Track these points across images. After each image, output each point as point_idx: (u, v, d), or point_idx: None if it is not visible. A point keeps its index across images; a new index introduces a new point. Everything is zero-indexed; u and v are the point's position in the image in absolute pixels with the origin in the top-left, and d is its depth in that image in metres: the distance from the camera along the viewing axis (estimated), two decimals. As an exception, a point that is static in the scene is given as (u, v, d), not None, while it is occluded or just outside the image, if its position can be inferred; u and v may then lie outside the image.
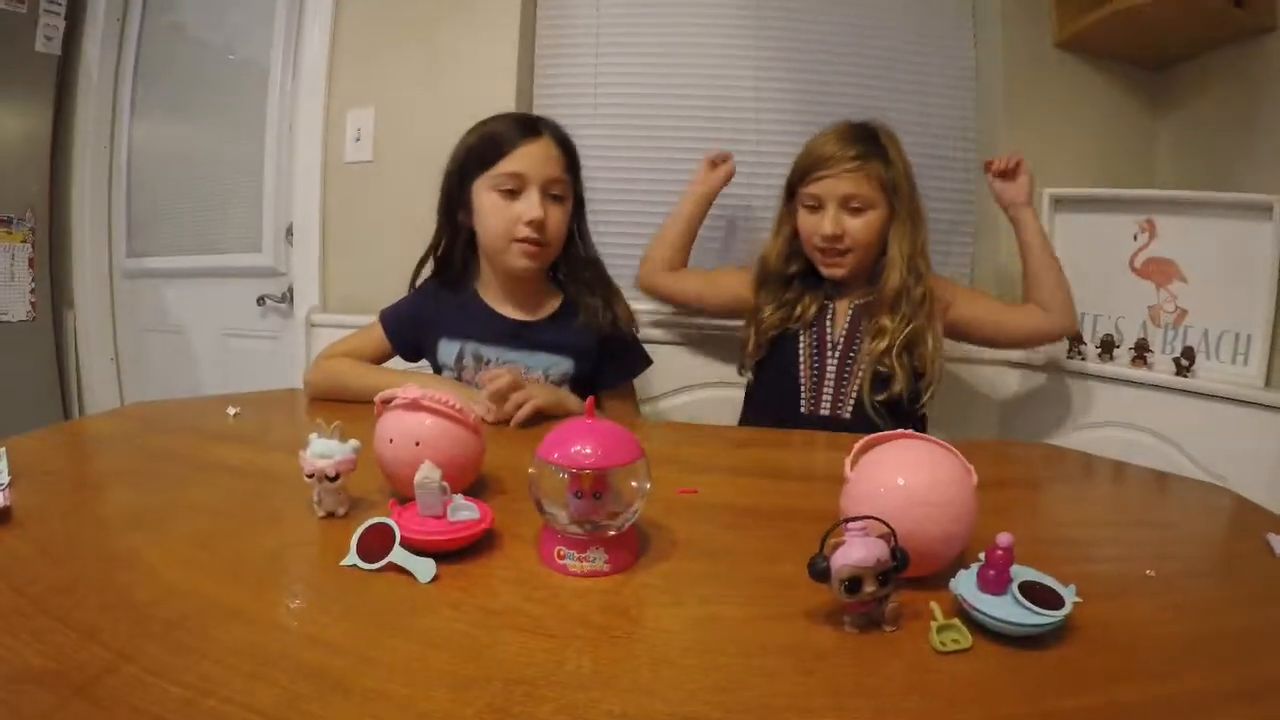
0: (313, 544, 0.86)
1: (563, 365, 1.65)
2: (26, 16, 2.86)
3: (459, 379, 1.65)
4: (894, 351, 1.64)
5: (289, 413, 1.64)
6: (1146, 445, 1.84)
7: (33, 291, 2.99)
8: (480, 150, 1.60)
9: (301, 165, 2.46)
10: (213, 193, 2.92)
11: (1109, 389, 1.94)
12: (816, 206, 1.70)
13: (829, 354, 1.72)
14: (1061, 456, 1.46)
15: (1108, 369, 1.95)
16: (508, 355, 1.64)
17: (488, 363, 1.63)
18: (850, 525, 0.68)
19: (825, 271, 1.74)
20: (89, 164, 3.04)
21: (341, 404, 1.55)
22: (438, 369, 1.69)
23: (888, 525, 0.68)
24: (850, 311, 1.74)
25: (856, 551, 0.66)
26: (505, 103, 2.18)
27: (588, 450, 0.75)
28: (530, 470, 0.79)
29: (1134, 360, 1.89)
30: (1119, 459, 1.38)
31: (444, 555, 0.78)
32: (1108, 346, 1.95)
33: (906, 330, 1.65)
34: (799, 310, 1.76)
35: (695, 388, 2.19)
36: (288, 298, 2.62)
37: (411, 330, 1.71)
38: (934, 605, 0.68)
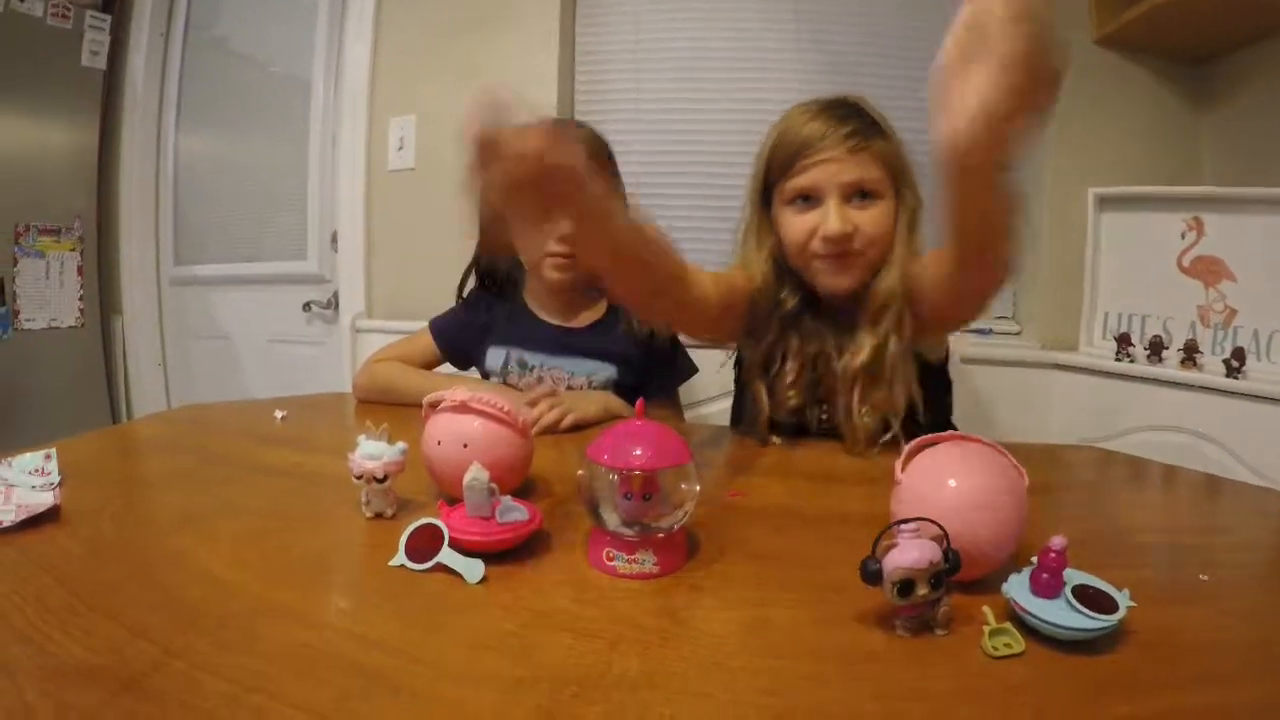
0: (361, 544, 0.87)
1: (605, 372, 1.66)
2: (72, 31, 2.95)
3: (505, 385, 1.66)
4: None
5: (336, 416, 1.66)
6: (1196, 449, 1.81)
7: (81, 298, 3.07)
8: None
9: (345, 173, 2.51)
10: (258, 201, 2.98)
11: (1158, 391, 1.91)
12: (811, 200, 1.32)
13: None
14: (1110, 460, 1.43)
15: (1156, 371, 1.92)
16: (552, 362, 1.66)
17: (532, 369, 1.66)
18: (903, 527, 0.67)
19: (829, 283, 1.35)
20: (135, 174, 3.12)
21: (388, 406, 1.57)
22: (485, 376, 1.71)
23: (940, 527, 0.67)
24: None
25: (909, 554, 0.65)
26: (546, 110, 2.22)
27: (638, 451, 0.75)
28: (580, 471, 0.79)
29: (1183, 362, 1.86)
30: (1169, 463, 1.35)
31: (492, 556, 0.78)
32: (1156, 348, 1.93)
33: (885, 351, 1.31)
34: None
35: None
36: (333, 304, 2.67)
37: (460, 338, 1.74)
38: (986, 609, 0.66)
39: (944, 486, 0.74)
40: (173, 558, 0.80)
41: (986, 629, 0.65)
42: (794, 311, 1.40)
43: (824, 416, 1.42)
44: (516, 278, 1.77)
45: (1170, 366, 1.90)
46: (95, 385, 3.17)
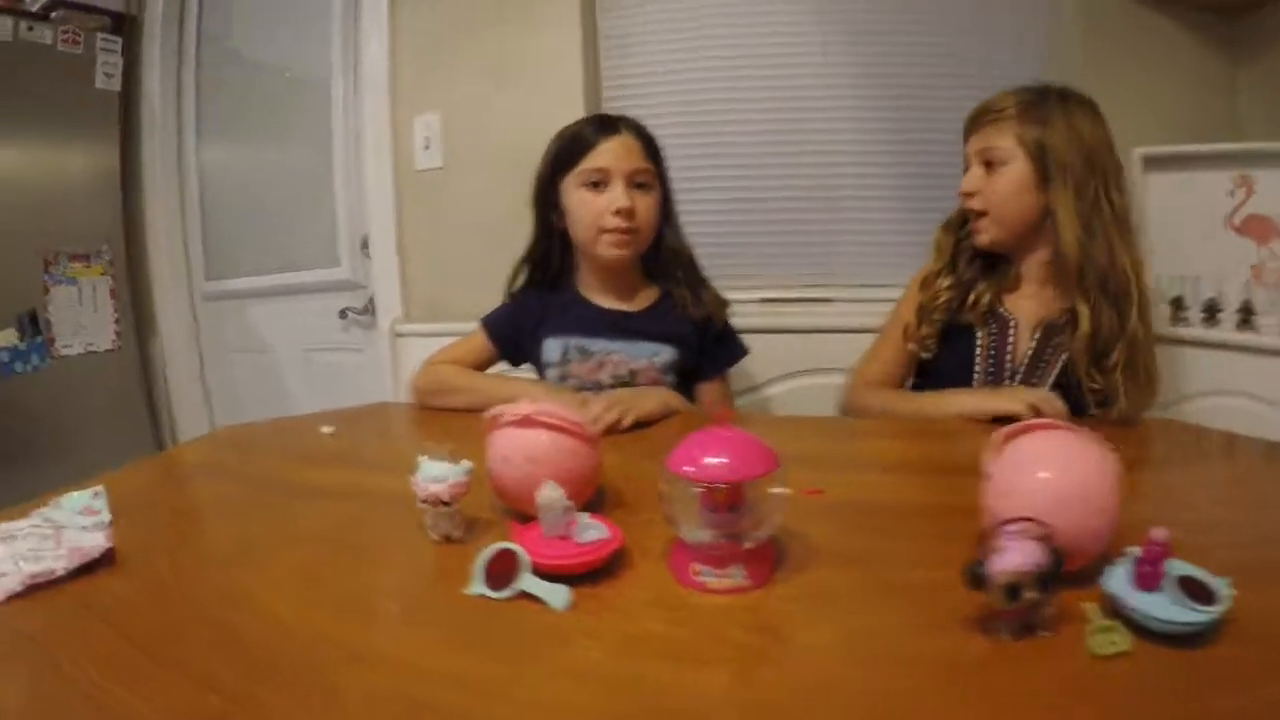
0: (432, 572, 0.83)
1: (665, 353, 1.67)
2: (84, 56, 2.93)
3: (564, 377, 1.67)
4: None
5: (384, 428, 1.65)
6: (1256, 413, 1.75)
7: (116, 321, 3.07)
8: (564, 152, 1.67)
9: (372, 176, 2.50)
10: (285, 210, 2.97)
11: (1215, 356, 1.85)
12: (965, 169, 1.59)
13: (1006, 375, 1.56)
14: (1168, 428, 1.41)
15: (1212, 334, 1.86)
16: (611, 346, 1.66)
17: (592, 355, 1.66)
18: (1008, 527, 0.64)
19: (974, 239, 1.59)
20: (160, 192, 3.11)
21: (444, 419, 1.56)
22: (542, 369, 1.71)
23: (1045, 526, 0.64)
24: (1038, 333, 1.54)
25: (1015, 556, 0.62)
26: (573, 99, 2.19)
27: (722, 462, 0.71)
28: (661, 486, 0.75)
29: (1240, 324, 1.81)
30: (1228, 429, 1.31)
31: (574, 579, 0.74)
32: (1212, 311, 1.87)
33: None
34: (972, 297, 1.60)
35: (793, 376, 2.17)
36: (369, 309, 2.66)
37: (514, 333, 1.74)
38: (1089, 606, 0.64)
39: (1037, 479, 0.72)
40: (233, 598, 0.77)
41: (1091, 627, 0.62)
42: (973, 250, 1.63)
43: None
44: (568, 267, 1.77)
45: (1226, 330, 1.84)
46: (136, 407, 3.17)
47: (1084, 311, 1.45)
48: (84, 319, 2.96)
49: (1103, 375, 1.43)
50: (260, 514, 1.04)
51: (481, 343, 1.75)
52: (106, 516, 0.97)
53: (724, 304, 1.77)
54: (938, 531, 0.86)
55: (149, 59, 3.09)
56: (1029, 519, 0.65)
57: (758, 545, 0.74)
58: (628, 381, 1.64)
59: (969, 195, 1.56)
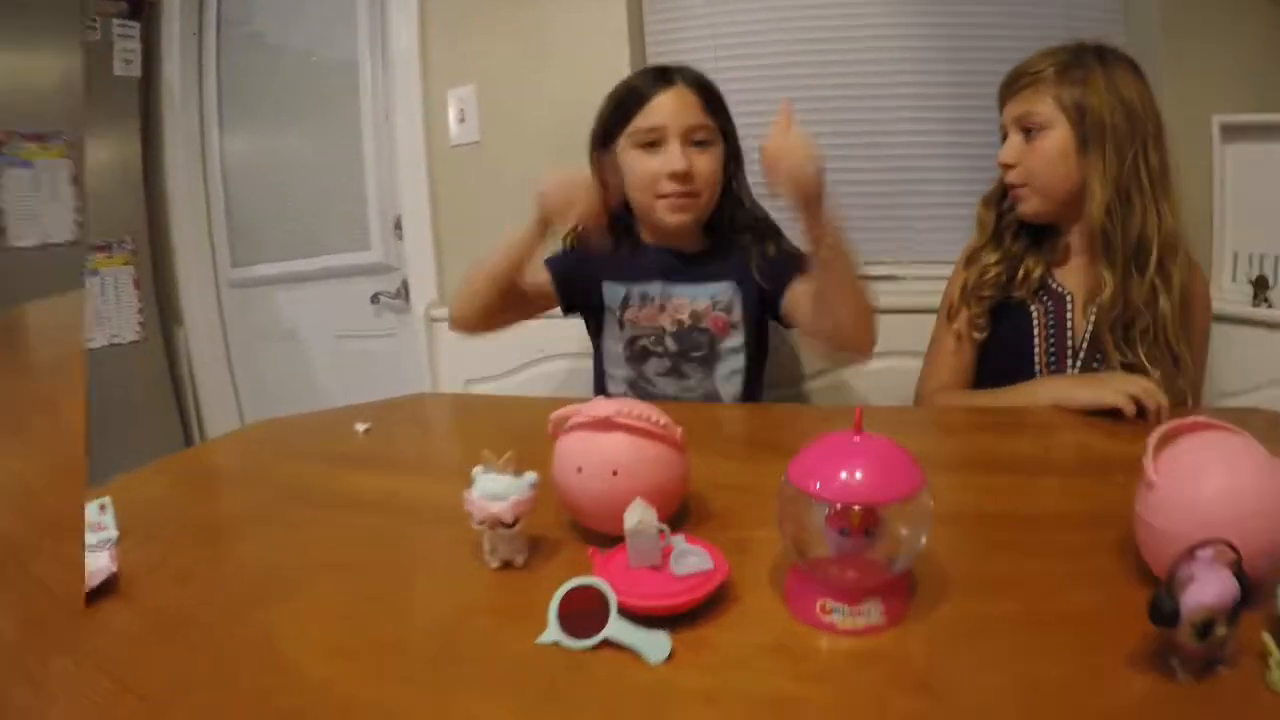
0: (493, 611, 0.70)
1: (727, 292, 1.56)
2: (101, 42, 2.85)
3: (622, 324, 1.60)
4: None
5: (424, 424, 1.53)
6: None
7: (140, 312, 3.00)
8: (616, 109, 1.56)
9: (404, 153, 2.40)
10: (313, 193, 2.87)
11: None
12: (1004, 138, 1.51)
13: (1069, 357, 1.48)
14: (1254, 420, 1.26)
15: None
16: (674, 290, 1.56)
17: (651, 300, 1.57)
18: (1199, 553, 0.55)
19: (1017, 209, 1.51)
20: (183, 179, 3.03)
21: (496, 407, 1.52)
22: (600, 318, 1.63)
23: (1235, 550, 0.56)
24: (1094, 309, 1.46)
25: (1212, 588, 0.54)
26: (618, 66, 2.05)
27: (858, 477, 0.58)
28: (782, 503, 0.62)
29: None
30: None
31: (672, 620, 0.61)
32: (1298, 292, 1.75)
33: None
34: (1022, 271, 1.52)
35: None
36: (402, 293, 2.56)
37: (575, 269, 1.63)
38: (1267, 638, 0.56)
39: (1218, 490, 0.63)
40: (253, 645, 0.65)
41: (1273, 659, 0.55)
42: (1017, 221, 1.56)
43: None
44: (629, 222, 1.64)
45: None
46: (164, 399, 3.12)
47: (1109, 279, 1.40)
48: (108, 311, 2.90)
49: (1131, 349, 1.40)
50: (287, 533, 0.92)
51: (542, 280, 1.63)
52: (113, 533, 0.87)
53: (797, 256, 1.57)
54: (1079, 544, 0.74)
55: (168, 44, 3.00)
56: (1223, 542, 0.56)
57: (897, 576, 0.61)
58: (692, 325, 1.55)
59: (1008, 166, 1.48)
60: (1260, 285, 1.82)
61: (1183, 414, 1.32)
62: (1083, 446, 1.15)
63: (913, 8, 2.01)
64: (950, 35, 2.00)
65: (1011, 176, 1.48)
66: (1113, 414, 1.18)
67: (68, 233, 2.87)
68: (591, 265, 1.61)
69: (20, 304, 2.58)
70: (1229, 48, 1.97)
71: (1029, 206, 1.48)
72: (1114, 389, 1.23)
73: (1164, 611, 0.54)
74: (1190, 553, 0.56)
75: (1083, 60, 1.42)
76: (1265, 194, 1.82)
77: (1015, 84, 1.48)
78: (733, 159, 1.60)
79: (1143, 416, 1.18)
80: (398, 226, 2.53)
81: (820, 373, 2.01)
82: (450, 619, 0.70)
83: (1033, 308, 1.49)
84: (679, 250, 1.59)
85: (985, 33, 1.98)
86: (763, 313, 1.61)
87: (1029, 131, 1.45)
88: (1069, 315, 1.47)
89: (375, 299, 2.65)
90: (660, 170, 1.49)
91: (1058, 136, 1.42)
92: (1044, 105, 1.42)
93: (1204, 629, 0.54)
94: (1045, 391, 1.35)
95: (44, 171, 2.79)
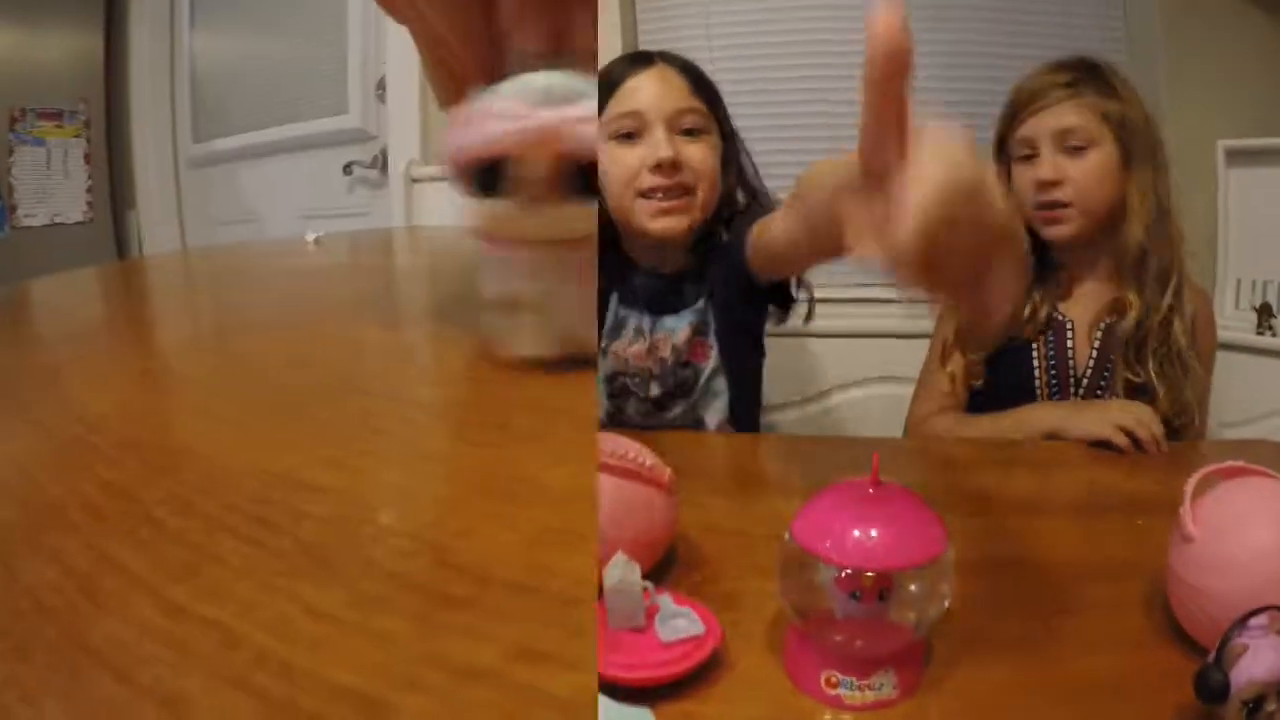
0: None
1: (705, 309, 1.32)
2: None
3: (605, 351, 1.32)
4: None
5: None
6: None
7: (89, 190, 2.82)
8: None
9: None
10: (287, 53, 2.68)
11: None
12: (1030, 154, 1.40)
13: (1071, 386, 1.42)
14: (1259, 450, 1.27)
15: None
16: (659, 323, 1.33)
17: (644, 334, 1.32)
18: (1252, 622, 0.49)
19: (1044, 232, 1.41)
20: (147, 38, 2.80)
21: None
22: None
23: None
24: (1099, 335, 1.41)
25: (1264, 660, 0.48)
26: (609, 59, 2.00)
27: (872, 536, 0.51)
28: (784, 560, 0.55)
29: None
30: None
31: (656, 692, 0.53)
32: (1308, 319, 1.76)
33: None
34: (1028, 310, 1.42)
35: (860, 384, 2.00)
36: (379, 162, 2.40)
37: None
38: None
39: (1257, 545, 0.57)
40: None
41: None
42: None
43: None
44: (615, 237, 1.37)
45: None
46: (109, 288, 2.96)
47: (1134, 301, 1.35)
48: (52, 186, 2.72)
49: (1142, 367, 1.35)
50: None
51: None
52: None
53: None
54: (1103, 599, 0.68)
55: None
56: (1277, 609, 0.50)
57: (911, 643, 0.55)
58: (675, 362, 1.32)
59: (1050, 184, 1.37)
60: (1264, 313, 1.84)
61: (1197, 445, 1.32)
62: (1093, 483, 1.09)
63: (913, 10, 2.00)
64: (948, 53, 2.02)
65: (1058, 194, 1.37)
66: (1108, 444, 1.15)
67: (78, 213, 2.76)
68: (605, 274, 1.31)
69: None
70: (1233, 72, 2.01)
71: (1069, 229, 1.39)
72: (1107, 420, 1.18)
73: (1213, 687, 0.48)
74: (1243, 621, 0.50)
75: (1101, 72, 1.38)
76: (1269, 219, 1.84)
77: (1043, 97, 1.39)
78: (731, 160, 1.36)
79: (1138, 448, 1.14)
80: (380, 88, 2.37)
81: (807, 399, 1.97)
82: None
83: (1034, 343, 1.43)
84: (660, 271, 1.35)
85: (983, 48, 2.01)
86: (738, 319, 1.36)
87: (1070, 149, 1.37)
88: (1069, 343, 1.42)
89: (348, 169, 2.49)
90: (641, 162, 1.24)
91: (1105, 152, 1.36)
92: (1085, 119, 1.36)
93: (1255, 706, 0.48)
94: (1038, 421, 1.31)
95: (56, 149, 2.67)
